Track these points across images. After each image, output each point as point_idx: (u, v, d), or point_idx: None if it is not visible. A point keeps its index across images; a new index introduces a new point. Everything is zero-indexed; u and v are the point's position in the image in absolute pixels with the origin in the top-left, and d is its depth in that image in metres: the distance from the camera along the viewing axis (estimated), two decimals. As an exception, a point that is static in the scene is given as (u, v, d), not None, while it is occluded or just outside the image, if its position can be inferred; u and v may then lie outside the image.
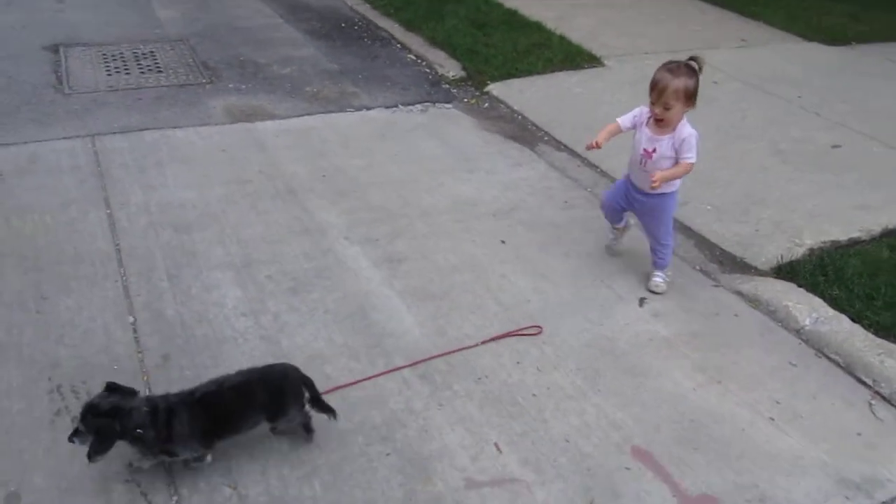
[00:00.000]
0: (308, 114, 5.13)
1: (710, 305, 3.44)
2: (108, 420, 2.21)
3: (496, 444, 2.60)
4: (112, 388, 2.31)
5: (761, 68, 6.27)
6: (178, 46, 6.10)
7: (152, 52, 5.96)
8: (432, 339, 3.07)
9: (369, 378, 2.84)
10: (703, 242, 3.91)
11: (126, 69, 5.60)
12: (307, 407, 2.51)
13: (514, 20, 6.84)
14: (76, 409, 2.40)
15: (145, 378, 2.78)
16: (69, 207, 3.86)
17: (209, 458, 2.43)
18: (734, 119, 5.30)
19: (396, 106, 5.37)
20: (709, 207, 4.18)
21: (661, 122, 3.14)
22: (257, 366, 2.51)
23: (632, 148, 3.31)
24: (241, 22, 6.87)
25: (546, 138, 5.05)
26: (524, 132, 5.11)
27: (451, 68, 5.97)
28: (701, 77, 3.09)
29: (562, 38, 6.47)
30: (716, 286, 3.58)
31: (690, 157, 3.17)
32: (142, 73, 5.57)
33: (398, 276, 3.46)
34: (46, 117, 4.79)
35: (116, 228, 3.71)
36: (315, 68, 5.90)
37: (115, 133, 4.65)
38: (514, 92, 5.63)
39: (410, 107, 5.37)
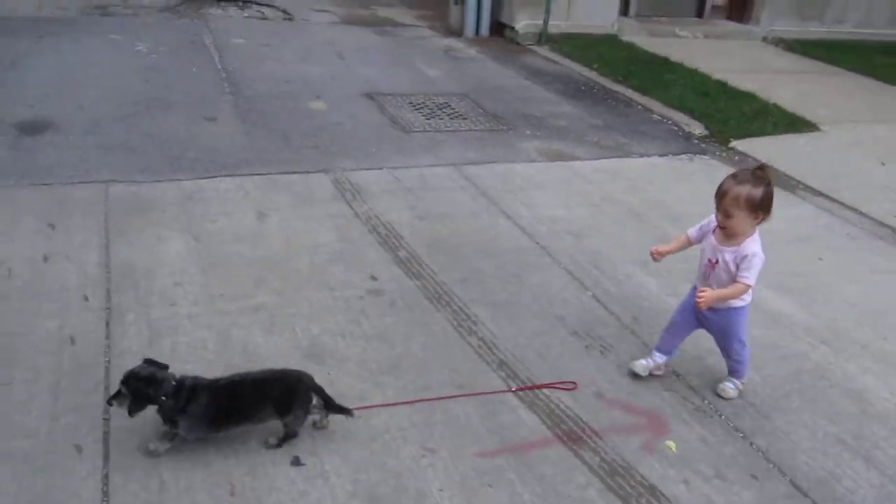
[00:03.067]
0: (604, 157, 6.31)
1: None
2: (145, 384, 2.68)
3: None
4: (149, 361, 2.77)
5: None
6: (464, 99, 7.38)
7: (447, 103, 7.24)
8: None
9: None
10: None
11: (436, 115, 6.88)
12: (312, 414, 2.89)
13: (728, 90, 8.04)
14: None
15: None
16: (480, 216, 5.04)
17: (190, 438, 2.80)
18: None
19: (667, 155, 6.53)
20: None
21: (724, 231, 3.06)
22: (276, 368, 2.97)
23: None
24: (498, 82, 8.18)
25: (801, 186, 6.14)
26: (780, 180, 6.21)
27: (695, 127, 7.14)
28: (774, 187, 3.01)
29: (776, 106, 7.62)
30: None
31: (747, 277, 3.01)
32: (451, 118, 6.83)
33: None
34: (405, 149, 6.05)
35: (527, 232, 4.87)
36: (583, 122, 7.13)
37: (467, 164, 5.87)
38: (756, 148, 6.76)
39: (678, 156, 6.53)
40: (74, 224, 4.45)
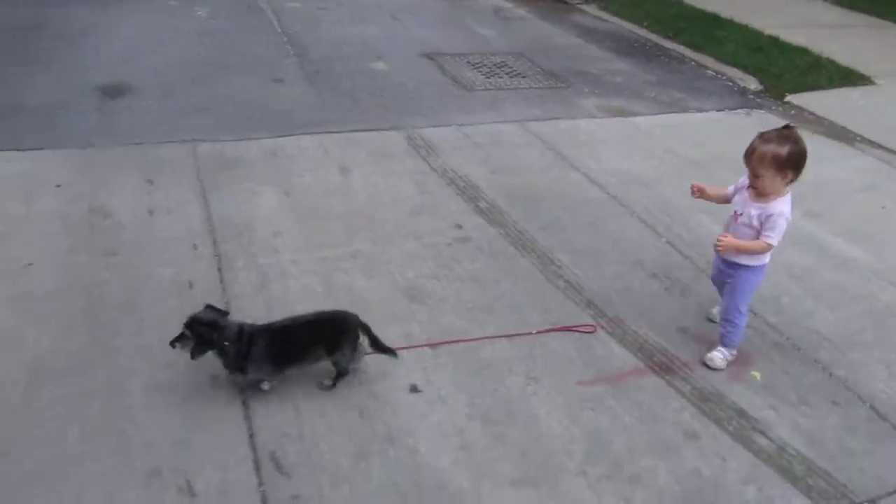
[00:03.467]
0: (662, 113, 6.44)
1: None
2: (209, 329, 2.78)
3: None
4: (210, 307, 2.87)
5: None
6: (520, 58, 7.52)
7: (504, 62, 7.38)
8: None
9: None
10: None
11: (495, 74, 7.04)
12: (358, 351, 3.01)
13: (780, 45, 8.08)
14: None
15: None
16: (551, 169, 5.24)
17: (267, 385, 2.97)
18: None
19: (724, 110, 6.65)
20: None
21: (755, 190, 3.08)
22: (325, 310, 3.08)
23: None
24: (550, 41, 8.30)
25: (859, 139, 6.24)
26: (838, 133, 6.33)
27: (750, 82, 7.23)
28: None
29: (829, 60, 7.67)
30: None
31: (770, 236, 3.04)
32: (510, 77, 6.99)
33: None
34: (469, 107, 6.23)
35: (597, 183, 5.06)
36: (638, 79, 7.25)
37: (531, 120, 6.04)
38: (811, 102, 6.85)
39: (735, 111, 6.65)
40: (170, 180, 4.71)
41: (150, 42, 7.23)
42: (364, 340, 3.01)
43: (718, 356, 3.36)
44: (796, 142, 2.97)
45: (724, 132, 6.10)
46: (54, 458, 2.68)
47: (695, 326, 3.66)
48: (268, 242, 4.09)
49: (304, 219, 4.35)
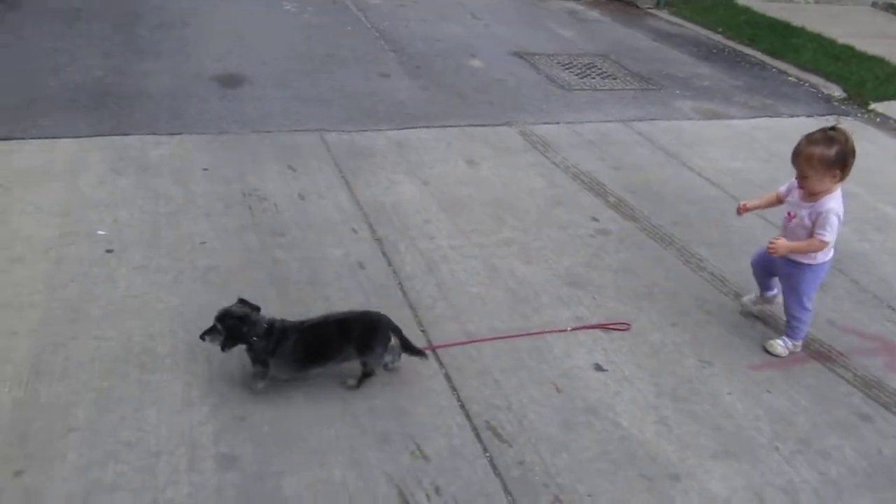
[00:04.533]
0: (755, 117, 6.63)
1: None
2: (239, 323, 2.81)
3: None
4: (242, 301, 2.91)
5: None
6: (606, 60, 7.72)
7: (592, 63, 7.58)
8: None
9: None
10: None
11: (587, 74, 7.23)
12: (390, 354, 2.99)
13: (857, 54, 8.27)
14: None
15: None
16: (665, 167, 5.43)
17: (282, 378, 2.96)
18: None
19: (813, 116, 6.84)
20: None
21: (804, 190, 3.20)
22: (356, 310, 3.11)
23: None
24: (630, 43, 8.49)
25: (950, 145, 6.43)
26: (925, 141, 6.52)
27: (833, 89, 7.42)
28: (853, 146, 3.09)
29: (907, 71, 7.85)
30: None
31: (822, 234, 3.14)
32: (601, 78, 7.18)
33: None
34: (571, 106, 6.43)
35: (713, 182, 5.25)
36: (724, 83, 7.44)
37: (634, 120, 6.24)
38: (895, 109, 7.03)
39: (824, 117, 6.83)
40: (311, 167, 4.91)
41: (249, 34, 7.44)
42: (395, 342, 2.99)
43: (780, 344, 3.46)
44: (844, 142, 3.06)
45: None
46: (289, 420, 2.87)
47: (839, 319, 3.85)
48: (421, 228, 4.29)
49: (448, 207, 4.55)
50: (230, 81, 6.22)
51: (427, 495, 2.62)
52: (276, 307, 3.42)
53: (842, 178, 3.12)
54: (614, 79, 7.14)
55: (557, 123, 5.98)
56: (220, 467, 2.65)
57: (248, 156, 4.97)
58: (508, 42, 7.96)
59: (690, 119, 6.37)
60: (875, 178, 5.54)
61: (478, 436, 2.89)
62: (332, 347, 2.91)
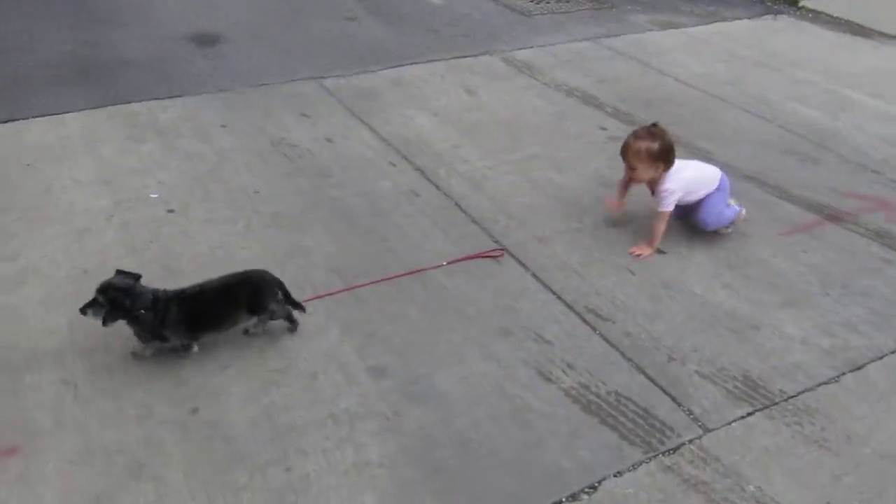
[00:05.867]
0: (704, 24, 7.11)
1: None
2: (121, 295, 2.67)
3: None
4: (121, 272, 2.76)
5: None
6: (553, -16, 8.03)
7: (541, -12, 7.88)
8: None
9: None
10: None
11: (539, 1, 7.54)
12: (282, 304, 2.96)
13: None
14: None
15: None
16: (646, 77, 5.85)
17: (195, 348, 2.90)
18: None
19: (753, 17, 7.38)
20: None
21: (633, 182, 3.67)
22: (238, 271, 2.96)
23: None
24: (568, -33, 8.80)
25: (876, 32, 7.10)
26: (857, 30, 7.17)
27: (765, -9, 7.99)
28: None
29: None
30: None
31: (659, 208, 3.61)
32: (556, 2, 7.51)
33: None
34: (538, 30, 6.73)
35: (691, 85, 5.72)
36: (666, -5, 7.90)
37: (600, 38, 6.60)
38: (822, 5, 7.66)
39: (762, 17, 7.38)
40: (323, 112, 5.08)
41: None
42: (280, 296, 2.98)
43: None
44: (663, 136, 3.49)
45: (764, 35, 6.85)
46: (412, 332, 3.17)
47: (840, 186, 4.39)
48: (452, 154, 4.57)
49: (466, 133, 4.83)
50: (207, 41, 6.23)
51: (563, 371, 2.98)
52: (354, 239, 3.69)
53: (666, 170, 3.52)
54: (567, 2, 7.47)
55: (532, 48, 6.28)
56: (373, 377, 2.93)
57: (257, 109, 5.08)
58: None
59: (649, 31, 6.79)
60: (824, 66, 6.13)
61: (583, 319, 3.26)
62: (221, 313, 2.87)
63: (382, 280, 3.43)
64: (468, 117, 5.01)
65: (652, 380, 2.95)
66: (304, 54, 6.01)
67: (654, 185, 3.63)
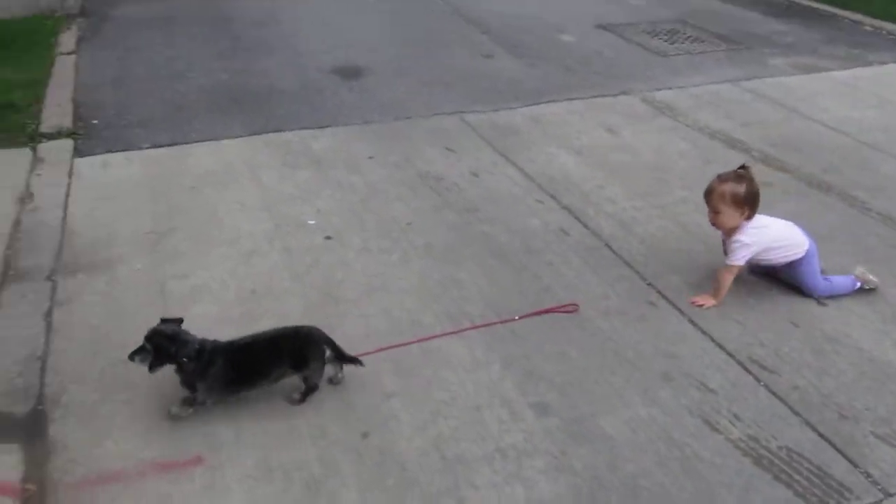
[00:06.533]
0: (849, 67, 6.90)
1: None
2: (167, 342, 2.70)
3: None
4: (166, 320, 2.79)
5: None
6: (685, 25, 7.98)
7: (674, 29, 7.84)
8: None
9: None
10: None
11: (675, 40, 7.49)
12: (332, 367, 2.96)
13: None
14: None
15: None
16: (792, 120, 5.71)
17: (209, 402, 2.84)
18: None
19: (901, 62, 7.13)
20: None
21: (716, 227, 3.52)
22: (288, 326, 2.97)
23: None
24: (703, 6, 8.75)
25: None
26: None
27: (911, 35, 7.71)
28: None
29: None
30: None
31: (728, 260, 3.49)
32: (690, 42, 7.45)
33: None
34: (674, 70, 6.69)
35: (842, 131, 5.54)
36: (806, 38, 7.70)
37: (739, 80, 6.50)
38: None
39: (911, 60, 7.12)
40: (467, 147, 5.19)
41: (341, 26, 7.72)
42: (329, 354, 2.95)
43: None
44: (751, 180, 3.36)
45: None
46: (573, 371, 3.20)
47: None
48: (598, 194, 4.58)
49: (612, 173, 4.83)
50: (350, 73, 6.49)
51: (730, 421, 2.92)
52: (506, 277, 3.74)
53: (750, 216, 3.39)
54: (701, 42, 7.41)
55: (671, 89, 6.24)
56: (538, 414, 2.95)
57: (403, 142, 5.24)
58: (586, 15, 8.22)
59: (791, 74, 6.64)
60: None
61: (745, 369, 3.20)
62: (265, 367, 2.85)
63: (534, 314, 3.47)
64: (612, 157, 5.03)
65: (824, 437, 2.86)
66: (445, 89, 6.17)
67: (730, 234, 3.48)
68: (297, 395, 2.95)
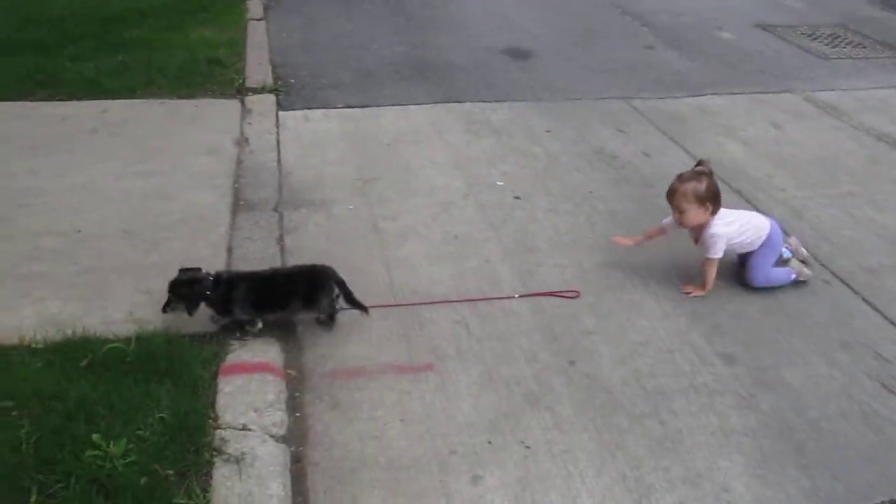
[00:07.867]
0: None
1: None
2: (185, 288, 3.03)
3: None
4: (184, 269, 3.11)
5: None
6: (846, 30, 8.01)
7: (834, 33, 7.89)
8: None
9: None
10: None
11: (835, 44, 7.55)
12: (337, 303, 3.22)
13: None
14: None
15: None
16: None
17: (259, 325, 3.15)
18: None
19: None
20: None
21: (683, 226, 3.58)
22: (304, 263, 3.33)
23: None
24: (863, 12, 8.74)
25: None
26: None
27: None
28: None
29: None
30: None
31: (708, 254, 3.59)
32: (851, 47, 7.50)
33: None
34: (837, 74, 6.79)
35: None
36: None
37: (909, 87, 6.57)
38: None
39: None
40: (636, 130, 5.51)
41: (506, 13, 8.14)
42: (338, 293, 3.22)
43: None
44: (710, 178, 3.44)
45: None
46: (755, 328, 3.49)
47: None
48: (768, 182, 4.84)
49: (779, 164, 5.07)
50: (518, 54, 6.90)
51: (908, 388, 3.19)
52: (685, 247, 4.01)
53: (713, 213, 3.50)
54: (864, 48, 7.46)
55: (834, 90, 6.38)
56: (725, 362, 3.30)
57: (575, 120, 5.62)
58: (746, 15, 8.36)
59: (964, 85, 6.64)
60: None
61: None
62: (283, 297, 3.15)
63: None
64: (779, 150, 5.27)
65: None
66: (610, 75, 6.51)
67: (699, 232, 3.62)
68: (323, 317, 3.28)
